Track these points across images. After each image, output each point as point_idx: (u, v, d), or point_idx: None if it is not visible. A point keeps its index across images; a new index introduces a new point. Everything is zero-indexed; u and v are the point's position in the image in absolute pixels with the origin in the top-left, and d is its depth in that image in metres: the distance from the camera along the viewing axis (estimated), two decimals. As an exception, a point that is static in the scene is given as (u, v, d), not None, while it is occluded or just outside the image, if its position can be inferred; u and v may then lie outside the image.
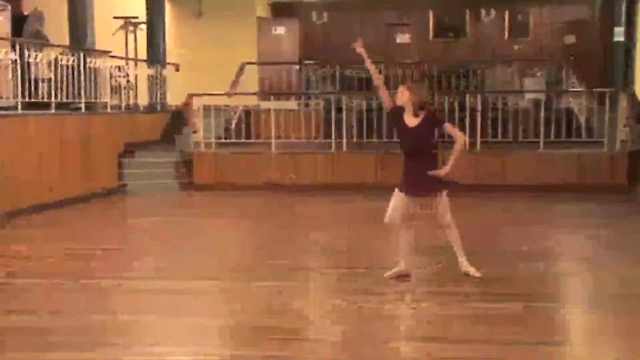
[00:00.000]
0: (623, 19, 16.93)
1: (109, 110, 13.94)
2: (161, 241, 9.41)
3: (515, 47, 19.44)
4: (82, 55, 12.88)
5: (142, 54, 16.54)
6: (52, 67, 12.30)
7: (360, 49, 7.28)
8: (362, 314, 5.94)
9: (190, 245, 8.92)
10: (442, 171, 6.67)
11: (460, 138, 6.79)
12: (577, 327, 5.85)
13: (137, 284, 7.03)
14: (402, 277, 6.91)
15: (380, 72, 7.36)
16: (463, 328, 5.55)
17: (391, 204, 6.83)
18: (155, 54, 16.64)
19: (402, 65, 17.91)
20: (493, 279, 6.94)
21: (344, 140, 14.05)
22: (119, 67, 14.92)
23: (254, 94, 17.02)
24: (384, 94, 7.04)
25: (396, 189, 6.86)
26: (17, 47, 11.49)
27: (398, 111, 6.83)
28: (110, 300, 6.46)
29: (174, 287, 6.85)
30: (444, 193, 6.81)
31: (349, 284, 6.82)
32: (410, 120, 6.74)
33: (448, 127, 6.87)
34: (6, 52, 11.21)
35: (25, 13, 14.06)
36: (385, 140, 13.62)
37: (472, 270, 6.92)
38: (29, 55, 11.58)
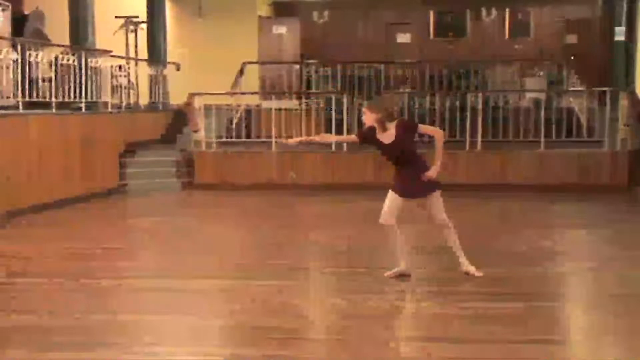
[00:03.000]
0: (624, 18, 16.93)
1: (109, 109, 13.93)
2: (161, 241, 9.41)
3: (516, 47, 19.43)
4: (83, 54, 12.88)
5: (143, 53, 16.55)
6: (53, 67, 12.30)
7: (293, 141, 7.29)
8: (362, 314, 5.93)
9: (191, 244, 8.92)
10: (433, 172, 6.66)
11: (438, 134, 6.78)
12: (577, 327, 5.84)
13: (137, 284, 7.03)
14: (403, 276, 6.91)
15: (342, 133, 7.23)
16: (463, 328, 5.54)
17: (385, 204, 6.83)
18: (156, 54, 16.66)
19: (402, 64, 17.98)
20: (493, 279, 6.94)
21: (344, 139, 14.04)
22: (120, 67, 14.91)
23: (255, 93, 17.02)
24: (347, 139, 7.01)
25: (390, 191, 6.86)
26: (18, 47, 11.49)
27: (370, 133, 6.79)
28: (110, 300, 6.46)
29: (174, 287, 6.85)
30: (438, 193, 6.81)
31: (348, 284, 6.82)
32: (385, 137, 6.70)
33: (423, 128, 6.87)
34: (7, 52, 11.20)
35: (26, 12, 14.07)
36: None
37: (472, 270, 6.92)
38: (29, 54, 11.58)
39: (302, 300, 6.36)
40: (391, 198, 6.81)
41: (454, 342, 5.22)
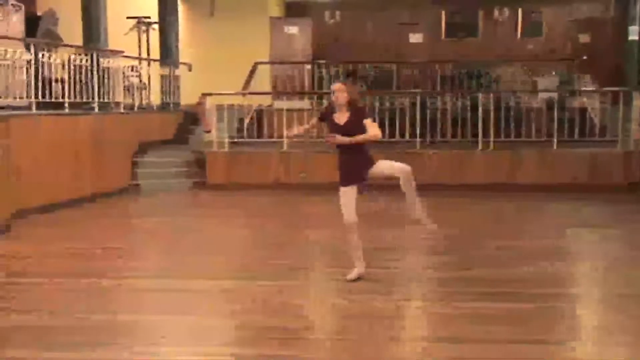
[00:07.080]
0: (637, 17, 16.83)
1: (122, 110, 14.00)
2: (166, 241, 9.41)
3: (528, 47, 19.36)
4: (95, 55, 12.95)
5: (155, 53, 16.61)
6: (66, 67, 12.37)
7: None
8: (362, 314, 5.93)
9: (194, 244, 8.93)
10: (343, 139, 6.59)
11: (373, 133, 6.67)
12: (579, 327, 5.81)
13: (138, 284, 7.04)
14: (360, 279, 6.85)
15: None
16: (463, 328, 5.52)
17: (342, 203, 6.76)
18: (168, 54, 16.72)
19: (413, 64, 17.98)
20: (494, 279, 6.93)
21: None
22: (132, 67, 14.99)
23: (267, 93, 17.04)
24: (311, 126, 7.00)
25: (340, 187, 6.78)
26: (32, 47, 11.56)
27: (328, 112, 6.80)
28: (111, 300, 6.48)
29: (175, 287, 6.86)
30: (378, 162, 6.73)
31: (349, 284, 6.78)
32: (341, 118, 6.69)
33: (368, 123, 6.76)
34: (20, 53, 11.28)
35: (39, 13, 14.18)
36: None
37: (428, 222, 6.87)
38: (42, 55, 11.66)
39: (302, 301, 6.36)
40: (344, 194, 6.75)
41: (454, 342, 5.21)
